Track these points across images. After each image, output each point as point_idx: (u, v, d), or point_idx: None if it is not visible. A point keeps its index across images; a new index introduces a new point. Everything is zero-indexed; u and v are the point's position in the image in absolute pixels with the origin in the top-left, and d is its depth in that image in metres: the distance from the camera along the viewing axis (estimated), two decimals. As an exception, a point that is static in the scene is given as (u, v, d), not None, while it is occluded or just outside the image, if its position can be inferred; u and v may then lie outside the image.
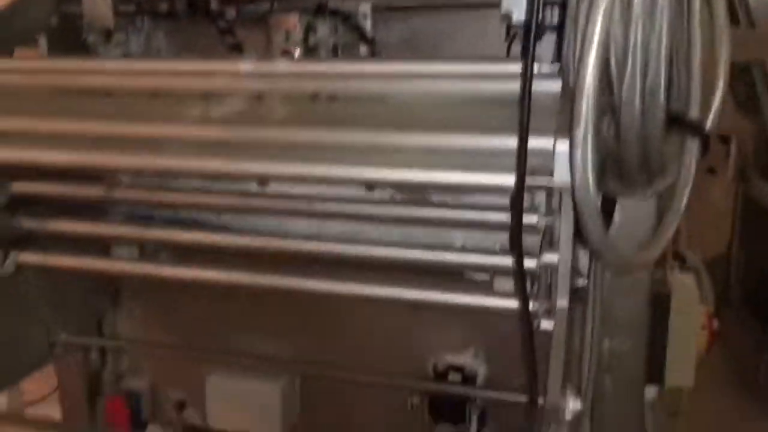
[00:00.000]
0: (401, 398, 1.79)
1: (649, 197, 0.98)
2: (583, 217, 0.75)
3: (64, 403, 2.07)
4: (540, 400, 1.20)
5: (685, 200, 0.91)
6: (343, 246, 1.45)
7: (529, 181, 0.90)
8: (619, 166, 0.89)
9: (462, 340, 1.76)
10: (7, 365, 1.61)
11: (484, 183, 0.97)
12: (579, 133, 0.71)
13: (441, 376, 1.77)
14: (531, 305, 1.25)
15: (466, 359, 1.76)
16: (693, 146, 0.89)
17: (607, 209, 1.28)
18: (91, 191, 1.49)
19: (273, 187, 1.60)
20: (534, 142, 0.89)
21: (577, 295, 1.49)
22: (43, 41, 1.47)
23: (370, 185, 1.62)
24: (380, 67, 1.12)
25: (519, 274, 0.90)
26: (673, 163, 0.91)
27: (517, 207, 0.83)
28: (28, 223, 1.57)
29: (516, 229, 0.83)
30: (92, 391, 2.04)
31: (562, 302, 1.19)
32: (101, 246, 1.75)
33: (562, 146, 0.91)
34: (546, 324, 1.21)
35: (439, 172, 0.99)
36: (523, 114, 0.80)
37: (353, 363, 1.75)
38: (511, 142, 0.95)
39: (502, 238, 1.51)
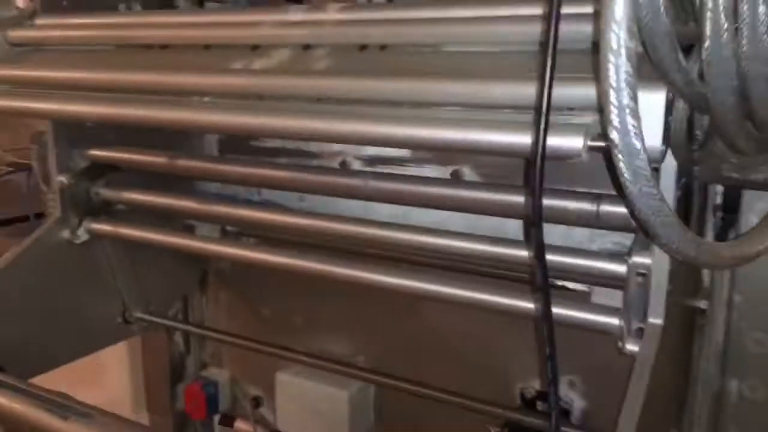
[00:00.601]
0: (482, 422, 1.57)
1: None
2: (622, 177, 0.51)
3: (148, 386, 2.06)
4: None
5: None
6: (425, 237, 1.27)
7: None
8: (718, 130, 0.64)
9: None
10: (78, 336, 1.59)
11: (501, 143, 0.74)
12: (608, 46, 0.47)
13: (528, 404, 1.53)
14: (617, 321, 1.00)
15: (559, 388, 1.51)
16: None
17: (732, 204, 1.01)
18: (156, 160, 1.42)
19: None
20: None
21: (694, 319, 1.22)
22: (136, 6, 1.45)
23: (456, 173, 1.47)
24: (436, 12, 0.94)
25: (538, 259, 0.67)
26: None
27: (534, 172, 0.59)
28: (106, 192, 1.55)
29: (536, 205, 0.60)
30: (175, 376, 2.01)
31: (655, 320, 0.94)
32: (184, 226, 1.72)
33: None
34: (631, 345, 0.96)
35: (437, 130, 0.78)
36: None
37: (434, 376, 1.56)
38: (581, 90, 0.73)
39: (607, 240, 1.27)
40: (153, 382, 2.05)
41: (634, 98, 0.47)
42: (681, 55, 0.57)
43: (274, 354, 1.68)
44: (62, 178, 1.49)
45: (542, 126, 0.56)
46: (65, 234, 1.52)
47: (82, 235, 1.54)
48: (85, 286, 1.60)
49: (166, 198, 1.53)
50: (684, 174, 0.92)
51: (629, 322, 0.97)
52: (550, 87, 0.56)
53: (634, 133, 0.47)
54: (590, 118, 0.75)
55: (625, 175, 0.49)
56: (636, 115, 0.47)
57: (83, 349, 1.62)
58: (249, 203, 1.67)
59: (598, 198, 0.99)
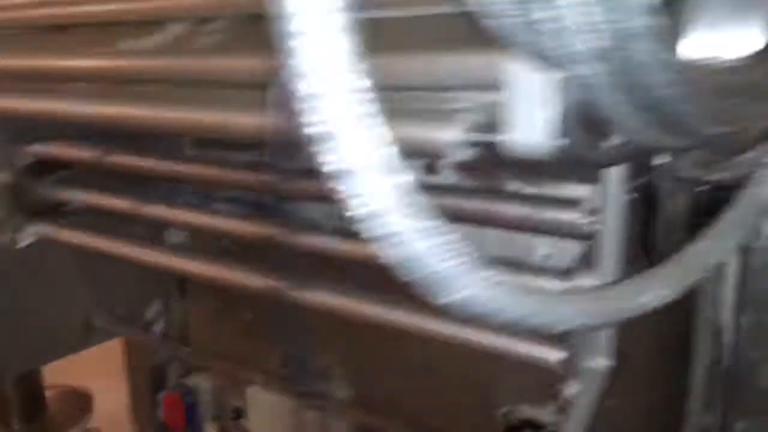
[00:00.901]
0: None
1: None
2: (345, 198, 0.30)
3: (131, 393, 1.96)
4: None
5: None
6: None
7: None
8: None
9: (545, 389, 1.31)
10: (31, 345, 1.49)
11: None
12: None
13: (513, 430, 1.34)
14: (556, 356, 0.81)
15: (547, 415, 1.31)
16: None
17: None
18: (89, 155, 1.30)
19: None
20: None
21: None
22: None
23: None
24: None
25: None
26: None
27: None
28: (55, 192, 1.44)
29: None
30: (156, 383, 1.91)
31: (596, 360, 0.74)
32: (154, 230, 1.58)
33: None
34: (571, 388, 0.76)
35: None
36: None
37: (412, 394, 1.40)
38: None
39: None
40: (136, 390, 1.95)
41: (352, 56, 0.28)
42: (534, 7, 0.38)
43: (235, 376, 1.55)
44: (1, 176, 1.39)
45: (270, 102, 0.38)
46: (4, 238, 1.41)
47: (26, 239, 1.43)
48: (40, 294, 1.49)
49: (119, 199, 1.39)
50: (643, 173, 0.73)
51: (573, 359, 0.77)
52: (286, 54, 0.36)
53: (355, 117, 0.28)
54: (477, 102, 0.57)
55: (352, 195, 0.29)
56: (362, 90, 0.28)
57: (39, 358, 1.53)
58: (218, 207, 1.52)
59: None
